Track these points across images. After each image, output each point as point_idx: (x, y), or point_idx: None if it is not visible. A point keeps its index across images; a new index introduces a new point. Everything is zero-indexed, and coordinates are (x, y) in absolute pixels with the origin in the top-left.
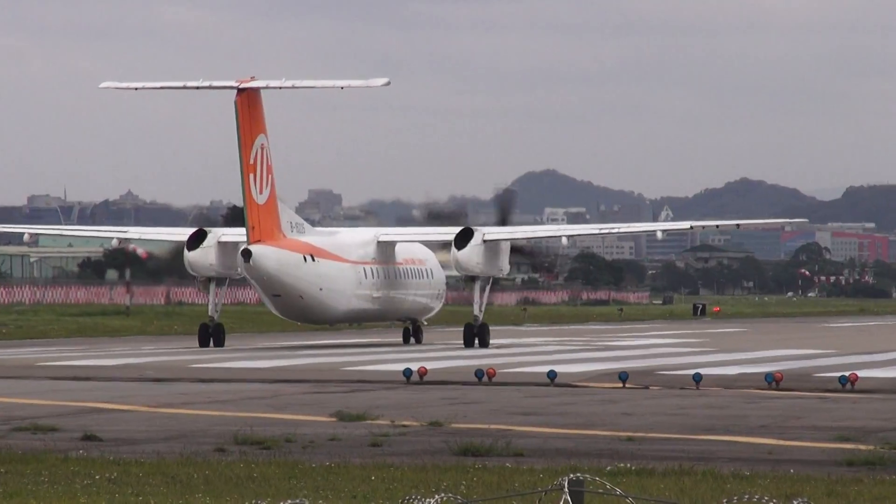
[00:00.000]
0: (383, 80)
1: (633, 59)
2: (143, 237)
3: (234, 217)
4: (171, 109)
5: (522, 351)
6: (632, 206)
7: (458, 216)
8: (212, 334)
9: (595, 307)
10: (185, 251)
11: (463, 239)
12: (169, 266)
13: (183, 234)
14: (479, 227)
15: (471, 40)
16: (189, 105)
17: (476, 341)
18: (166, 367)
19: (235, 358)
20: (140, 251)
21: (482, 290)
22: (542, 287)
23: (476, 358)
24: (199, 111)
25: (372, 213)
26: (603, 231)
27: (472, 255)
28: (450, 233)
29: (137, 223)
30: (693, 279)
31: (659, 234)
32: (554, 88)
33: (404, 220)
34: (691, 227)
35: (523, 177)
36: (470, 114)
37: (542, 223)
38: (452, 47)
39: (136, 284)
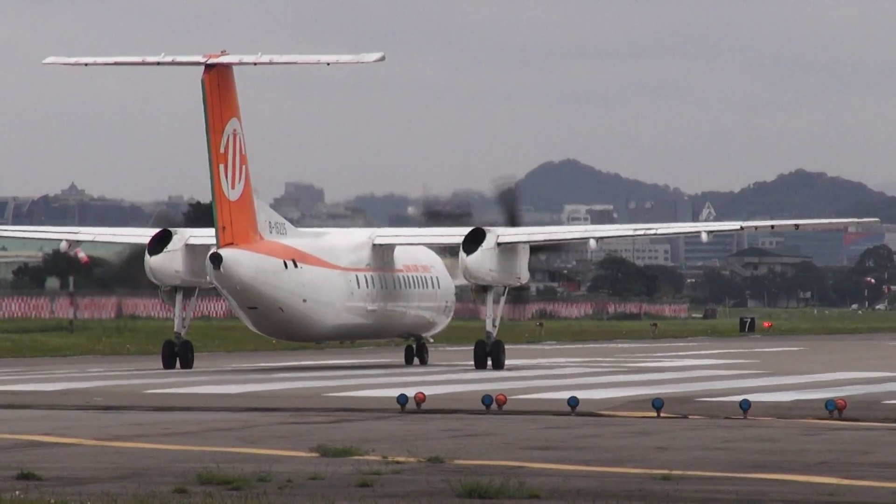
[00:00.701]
0: (377, 55)
1: (670, 31)
2: (98, 239)
3: (198, 216)
4: (124, 89)
5: (538, 374)
6: (667, 203)
7: (462, 215)
8: (178, 354)
9: (624, 322)
10: (147, 256)
11: (473, 241)
12: (120, 273)
13: (144, 235)
14: (492, 228)
15: (477, 8)
16: (147, 84)
17: (489, 362)
18: (118, 393)
19: (200, 382)
20: (82, 255)
21: (496, 301)
22: (562, 298)
23: (486, 382)
24: (159, 91)
25: (360, 211)
26: (638, 233)
27: (483, 260)
28: (457, 234)
29: (82, 222)
30: (740, 289)
31: (704, 237)
32: (575, 65)
33: (398, 218)
34: (741, 228)
35: (539, 168)
36: (476, 94)
37: (560, 223)
38: (455, 17)
39: (81, 295)
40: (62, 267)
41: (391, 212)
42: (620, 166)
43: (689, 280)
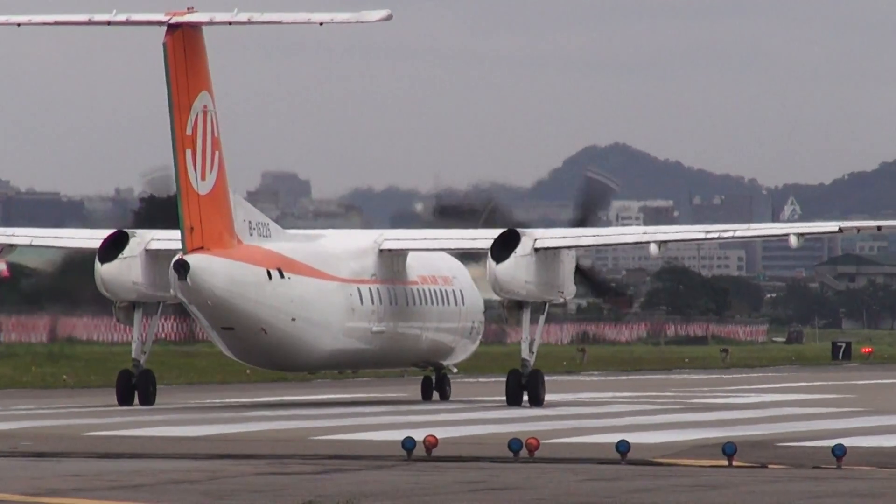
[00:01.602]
0: (382, 13)
1: None
2: (37, 243)
3: (153, 214)
4: (62, 56)
5: (579, 412)
6: (741, 198)
7: (483, 212)
8: (136, 386)
9: (686, 347)
10: (97, 263)
11: (504, 246)
12: (54, 286)
13: (93, 238)
14: (528, 230)
15: None
16: (93, 50)
17: (525, 396)
18: (52, 436)
19: (156, 422)
20: (1, 267)
21: (533, 321)
22: (609, 318)
23: (516, 422)
24: (109, 59)
25: (355, 208)
26: (711, 236)
27: (517, 269)
28: (485, 237)
29: (8, 221)
30: (832, 305)
31: (793, 241)
32: (623, 25)
33: (403, 217)
34: (840, 230)
35: (579, 155)
36: (499, 62)
37: (607, 223)
38: None
39: (5, 313)
40: None
41: (394, 209)
42: (682, 153)
43: (768, 295)
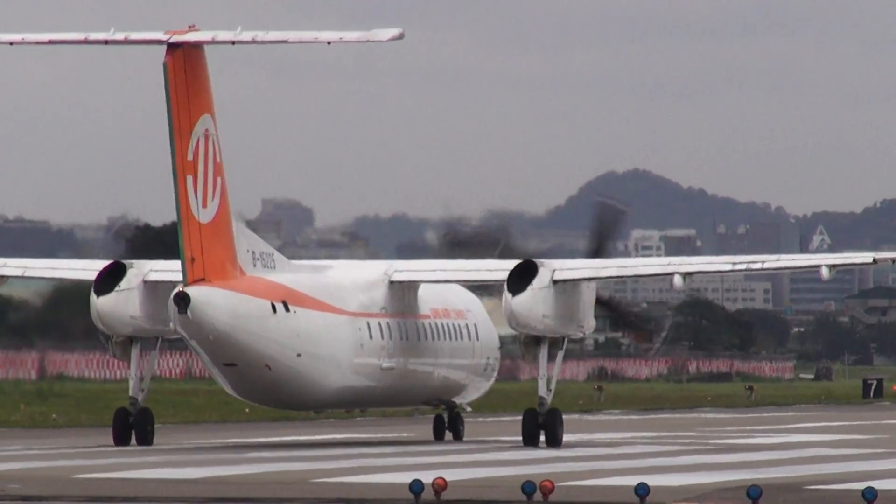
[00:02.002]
0: (393, 32)
1: (773, 5)
2: (29, 274)
3: (146, 244)
4: (53, 76)
5: (596, 453)
6: (767, 227)
7: (496, 241)
8: (134, 425)
9: (709, 384)
10: (93, 296)
11: (521, 278)
12: (43, 319)
13: (89, 269)
14: (546, 261)
15: None
16: (85, 70)
17: (542, 436)
18: (41, 478)
19: (150, 464)
20: None
21: (551, 357)
22: (628, 353)
23: (531, 463)
24: (102, 79)
25: (360, 238)
26: (738, 267)
27: (535, 302)
28: (501, 268)
29: None
30: (863, 341)
31: (824, 273)
32: (644, 45)
33: (411, 247)
34: (874, 261)
35: (597, 181)
36: (513, 83)
37: (625, 254)
38: None
39: None
40: None
41: (401, 238)
42: (705, 179)
43: (795, 329)
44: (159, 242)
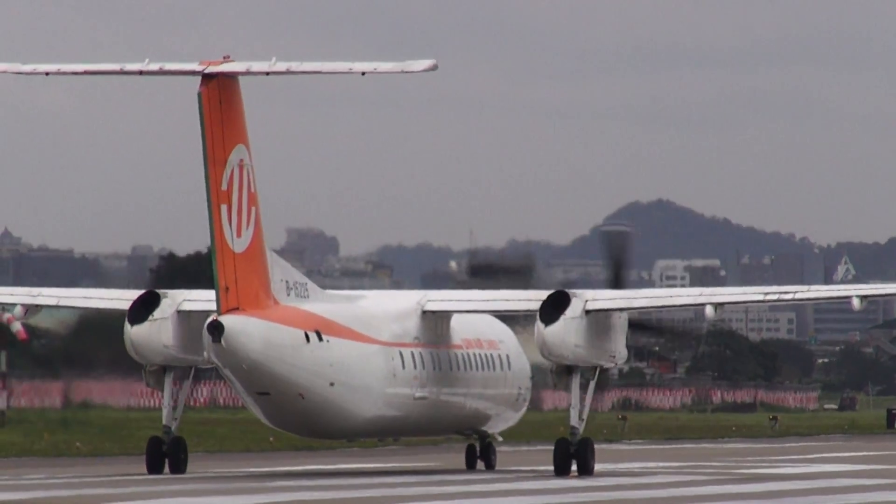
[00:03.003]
0: (427, 63)
1: (795, 32)
2: (64, 304)
3: (171, 273)
4: (78, 105)
5: (618, 483)
6: (792, 257)
7: (521, 271)
8: (167, 454)
9: (733, 414)
10: (127, 325)
11: (553, 308)
12: (68, 348)
13: (123, 298)
14: (578, 291)
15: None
16: (108, 100)
17: (573, 465)
18: None
19: (172, 493)
20: (17, 327)
21: (583, 387)
22: (652, 382)
23: (556, 493)
24: (127, 109)
25: (385, 267)
26: (770, 297)
27: (567, 332)
28: (534, 299)
29: (19, 280)
30: (888, 371)
31: (856, 304)
32: (667, 75)
33: (435, 276)
34: None
35: (621, 211)
36: (537, 113)
37: (650, 283)
38: (511, 15)
39: (16, 377)
40: None
41: (425, 267)
42: (729, 209)
43: (820, 360)
44: (183, 272)
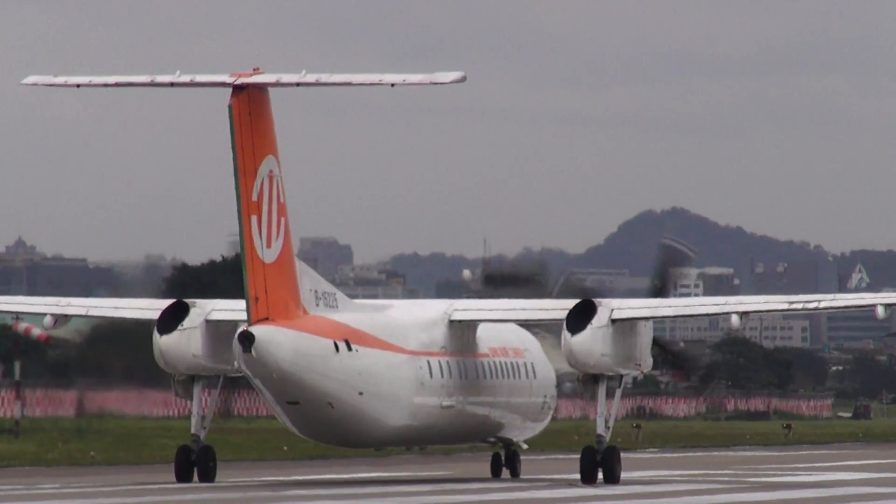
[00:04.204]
0: (456, 75)
1: (810, 39)
2: (93, 313)
3: (184, 281)
4: (91, 114)
5: (633, 492)
6: (806, 265)
7: (535, 279)
8: (196, 462)
9: (747, 422)
10: (156, 335)
11: (580, 317)
12: (82, 357)
13: (152, 307)
14: (604, 300)
15: (548, 10)
16: (120, 111)
17: (600, 473)
18: None
19: (187, 502)
20: (36, 331)
21: (609, 395)
22: (666, 391)
23: (588, 501)
24: (144, 118)
25: (398, 275)
26: (795, 306)
27: (594, 341)
28: (560, 308)
29: (33, 289)
30: None
31: (880, 312)
32: (682, 83)
33: (448, 285)
34: None
35: (635, 219)
36: (551, 121)
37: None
38: (520, 22)
39: (31, 386)
40: (4, 348)
41: (439, 276)
42: (743, 217)
43: (834, 367)
44: (197, 281)
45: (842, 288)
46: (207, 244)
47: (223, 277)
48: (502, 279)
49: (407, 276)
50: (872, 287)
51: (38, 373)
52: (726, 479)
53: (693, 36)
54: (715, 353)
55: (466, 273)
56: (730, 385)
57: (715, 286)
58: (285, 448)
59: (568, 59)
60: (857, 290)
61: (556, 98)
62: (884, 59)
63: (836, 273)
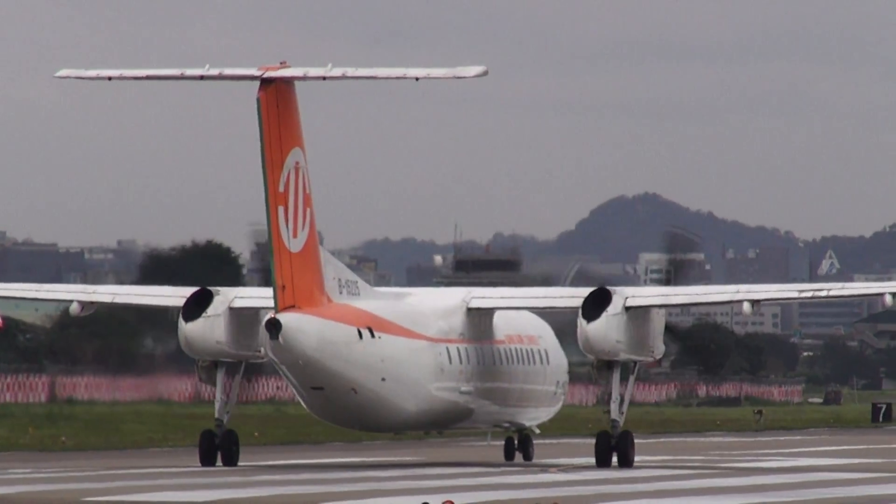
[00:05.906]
0: (478, 69)
1: (783, 27)
2: (119, 300)
3: (156, 268)
4: (63, 101)
5: (603, 477)
6: (776, 251)
7: (507, 263)
8: (220, 446)
9: (719, 408)
10: (181, 322)
11: (595, 305)
12: (52, 343)
13: (176, 295)
14: (619, 288)
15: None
16: (109, 102)
17: (614, 457)
18: (49, 501)
19: (181, 486)
20: None
21: (623, 381)
22: (637, 377)
23: (539, 487)
24: (115, 104)
25: (369, 261)
26: (805, 294)
27: (609, 329)
28: (575, 296)
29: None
30: (872, 365)
31: (888, 300)
32: (653, 69)
33: (420, 270)
34: None
35: (607, 205)
36: (521, 106)
37: (635, 278)
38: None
39: (1, 371)
40: None
41: (410, 261)
42: (714, 203)
43: (804, 353)
44: (165, 267)
45: (812, 274)
46: (177, 229)
47: (195, 263)
48: (475, 264)
49: (378, 262)
50: (843, 273)
51: (9, 358)
52: (698, 464)
53: (666, 22)
54: (686, 338)
55: (438, 258)
56: (701, 371)
57: (685, 272)
58: (256, 434)
59: (539, 46)
60: (827, 276)
61: (527, 84)
62: (857, 49)
63: (808, 259)
